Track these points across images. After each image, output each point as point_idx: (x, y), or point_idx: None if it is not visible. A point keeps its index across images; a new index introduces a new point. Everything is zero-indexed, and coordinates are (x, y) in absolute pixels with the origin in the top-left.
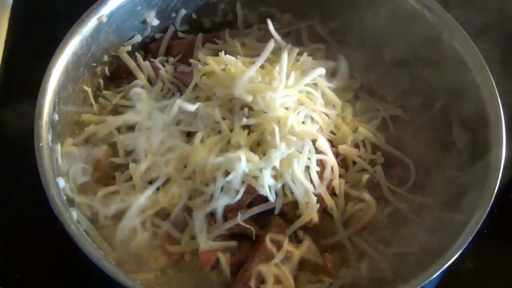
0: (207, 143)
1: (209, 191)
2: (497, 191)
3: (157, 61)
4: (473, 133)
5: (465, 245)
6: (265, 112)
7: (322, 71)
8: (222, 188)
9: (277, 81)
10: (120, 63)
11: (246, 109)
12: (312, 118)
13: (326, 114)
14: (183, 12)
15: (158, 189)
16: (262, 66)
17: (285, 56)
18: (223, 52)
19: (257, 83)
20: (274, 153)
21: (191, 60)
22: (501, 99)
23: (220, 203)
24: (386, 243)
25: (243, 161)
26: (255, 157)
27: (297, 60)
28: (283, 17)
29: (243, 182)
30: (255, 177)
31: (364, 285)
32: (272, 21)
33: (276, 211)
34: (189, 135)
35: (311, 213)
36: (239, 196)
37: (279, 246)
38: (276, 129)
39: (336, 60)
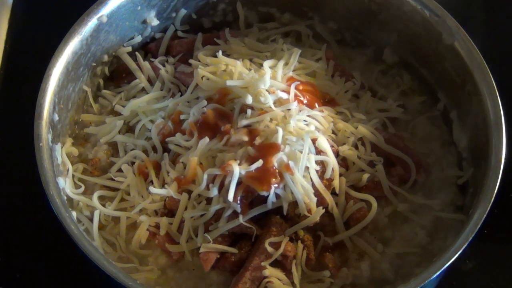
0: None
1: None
2: (497, 191)
3: (157, 61)
4: (473, 133)
5: (465, 245)
6: (267, 112)
7: None
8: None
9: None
10: (120, 63)
11: (249, 110)
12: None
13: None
14: (183, 12)
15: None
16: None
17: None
18: (220, 52)
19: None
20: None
21: (191, 60)
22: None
23: (218, 205)
24: (386, 243)
25: (236, 170)
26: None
27: (299, 62)
28: (283, 17)
29: (241, 183)
30: None
31: (364, 285)
32: (272, 21)
33: (284, 211)
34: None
35: (316, 218)
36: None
37: (278, 246)
38: (278, 129)
39: (336, 60)
